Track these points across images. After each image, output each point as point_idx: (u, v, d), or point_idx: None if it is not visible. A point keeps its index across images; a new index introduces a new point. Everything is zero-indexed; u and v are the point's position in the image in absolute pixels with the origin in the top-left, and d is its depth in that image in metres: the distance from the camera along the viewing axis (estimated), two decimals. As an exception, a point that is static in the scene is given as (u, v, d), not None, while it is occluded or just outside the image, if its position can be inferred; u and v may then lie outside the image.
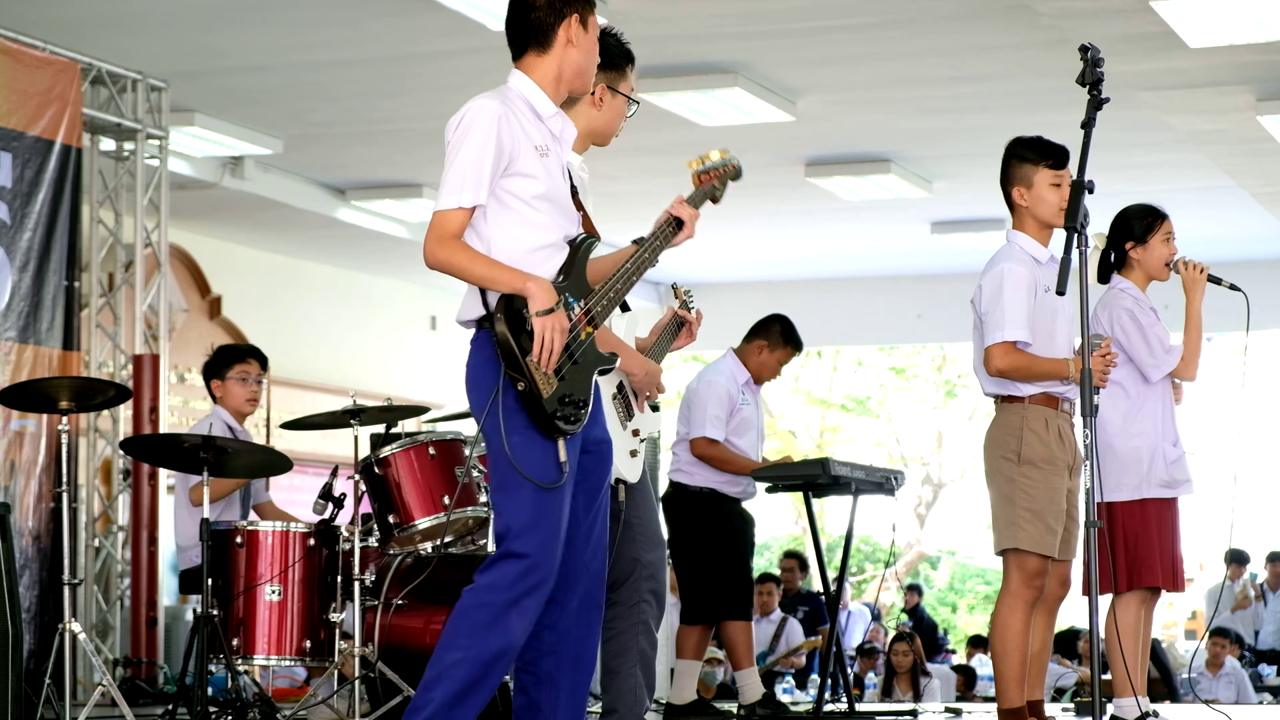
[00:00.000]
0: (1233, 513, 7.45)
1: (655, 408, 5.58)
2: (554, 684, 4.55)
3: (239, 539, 7.19)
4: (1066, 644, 14.62)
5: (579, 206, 4.64)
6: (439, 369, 15.58)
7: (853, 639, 15.45)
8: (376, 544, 7.32)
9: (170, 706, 7.23)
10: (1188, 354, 6.76)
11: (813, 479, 8.47)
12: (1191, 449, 6.87)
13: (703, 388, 8.50)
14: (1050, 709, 8.04)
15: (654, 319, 5.93)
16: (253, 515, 8.10)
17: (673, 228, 4.78)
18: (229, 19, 9.70)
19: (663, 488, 8.79)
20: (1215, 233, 14.82)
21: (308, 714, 7.32)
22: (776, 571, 15.60)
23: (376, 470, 7.19)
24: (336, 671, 7.27)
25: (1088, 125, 5.19)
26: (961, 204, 14.36)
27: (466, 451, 7.10)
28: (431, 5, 9.01)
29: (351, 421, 7.34)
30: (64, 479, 6.92)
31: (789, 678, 13.98)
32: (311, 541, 7.24)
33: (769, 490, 8.77)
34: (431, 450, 7.14)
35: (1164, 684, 12.99)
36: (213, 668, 7.01)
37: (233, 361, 8.33)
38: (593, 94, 5.20)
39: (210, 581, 6.96)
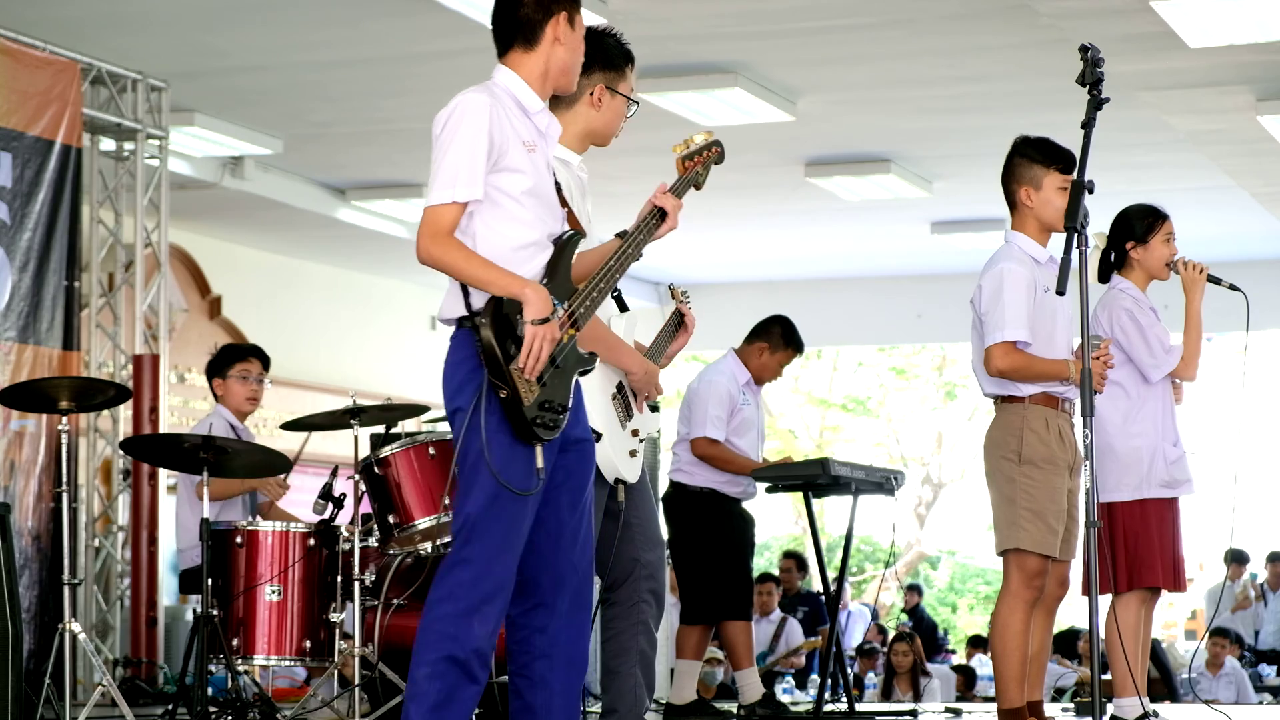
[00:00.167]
0: (1233, 513, 7.45)
1: (655, 408, 5.58)
2: (547, 686, 4.53)
3: (239, 539, 7.19)
4: (1066, 644, 14.62)
5: (563, 203, 4.61)
6: (439, 369, 15.53)
7: (853, 639, 15.45)
8: (376, 544, 7.32)
9: (170, 706, 7.23)
10: (1188, 354, 6.76)
11: (813, 479, 8.46)
12: (1192, 449, 6.87)
13: (703, 388, 8.50)
14: (1050, 709, 8.04)
15: (653, 319, 5.92)
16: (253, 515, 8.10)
17: (656, 219, 4.73)
18: (229, 19, 9.70)
19: (663, 488, 8.79)
20: (1215, 233, 14.81)
21: (308, 714, 7.32)
22: (776, 571, 15.60)
23: (376, 470, 7.19)
24: (336, 671, 7.27)
25: (1088, 125, 5.19)
26: (961, 204, 14.36)
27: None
28: (431, 5, 9.01)
29: (351, 421, 7.34)
30: (64, 479, 6.93)
31: (789, 678, 13.98)
32: (311, 541, 7.24)
33: (769, 490, 8.76)
34: (431, 450, 7.14)
35: (1164, 684, 12.98)
36: (213, 668, 7.01)
37: (234, 360, 8.38)
38: (591, 94, 5.19)
39: (210, 581, 6.96)
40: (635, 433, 5.30)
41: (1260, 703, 13.64)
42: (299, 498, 8.30)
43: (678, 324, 5.73)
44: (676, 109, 11.07)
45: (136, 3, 9.54)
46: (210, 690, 6.97)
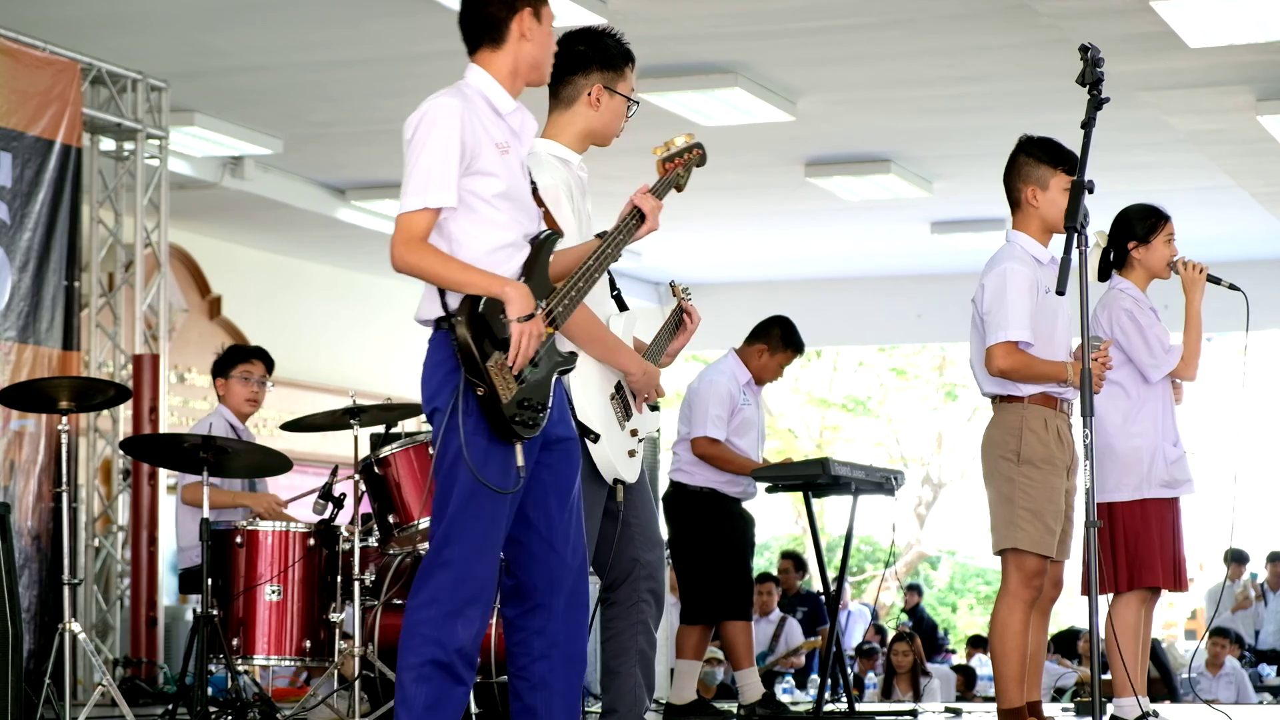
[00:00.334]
0: (1233, 513, 7.44)
1: (655, 407, 5.57)
2: (547, 687, 4.52)
3: (239, 539, 7.19)
4: (1067, 644, 14.62)
5: (539, 203, 4.61)
6: (438, 369, 15.51)
7: (852, 639, 15.45)
8: (376, 544, 7.32)
9: (170, 706, 7.24)
10: (1187, 354, 6.76)
11: (813, 479, 8.46)
12: (1192, 449, 6.87)
13: (704, 387, 8.50)
14: (1050, 709, 8.04)
15: (653, 319, 5.91)
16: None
17: (636, 220, 4.74)
18: (229, 19, 9.70)
19: (663, 487, 8.79)
20: (1215, 233, 14.81)
21: (308, 714, 7.32)
22: (776, 571, 15.59)
23: (376, 470, 7.19)
24: (336, 671, 7.27)
25: (1088, 125, 5.19)
26: (961, 204, 14.36)
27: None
28: (431, 5, 9.01)
29: (351, 421, 7.34)
30: (64, 479, 6.93)
31: (789, 678, 13.98)
32: (311, 541, 7.24)
33: (769, 490, 8.76)
34: (431, 450, 7.13)
35: (1164, 684, 12.98)
36: (213, 668, 7.02)
37: (238, 361, 8.45)
38: (589, 94, 5.19)
39: (210, 581, 6.96)
40: (634, 433, 5.30)
41: (1260, 703, 13.64)
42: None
43: (678, 322, 5.73)
44: (676, 109, 11.07)
45: (136, 3, 9.54)
46: (210, 690, 6.98)
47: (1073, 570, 6.38)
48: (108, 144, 10.00)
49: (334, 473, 7.26)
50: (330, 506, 7.24)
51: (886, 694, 13.08)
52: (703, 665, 9.24)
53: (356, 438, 7.35)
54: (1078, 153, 5.30)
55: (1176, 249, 6.87)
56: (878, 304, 17.43)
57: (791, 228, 15.40)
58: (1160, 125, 11.56)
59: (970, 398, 25.76)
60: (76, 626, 6.69)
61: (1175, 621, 24.14)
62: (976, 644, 16.10)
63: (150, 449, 7.98)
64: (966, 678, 14.49)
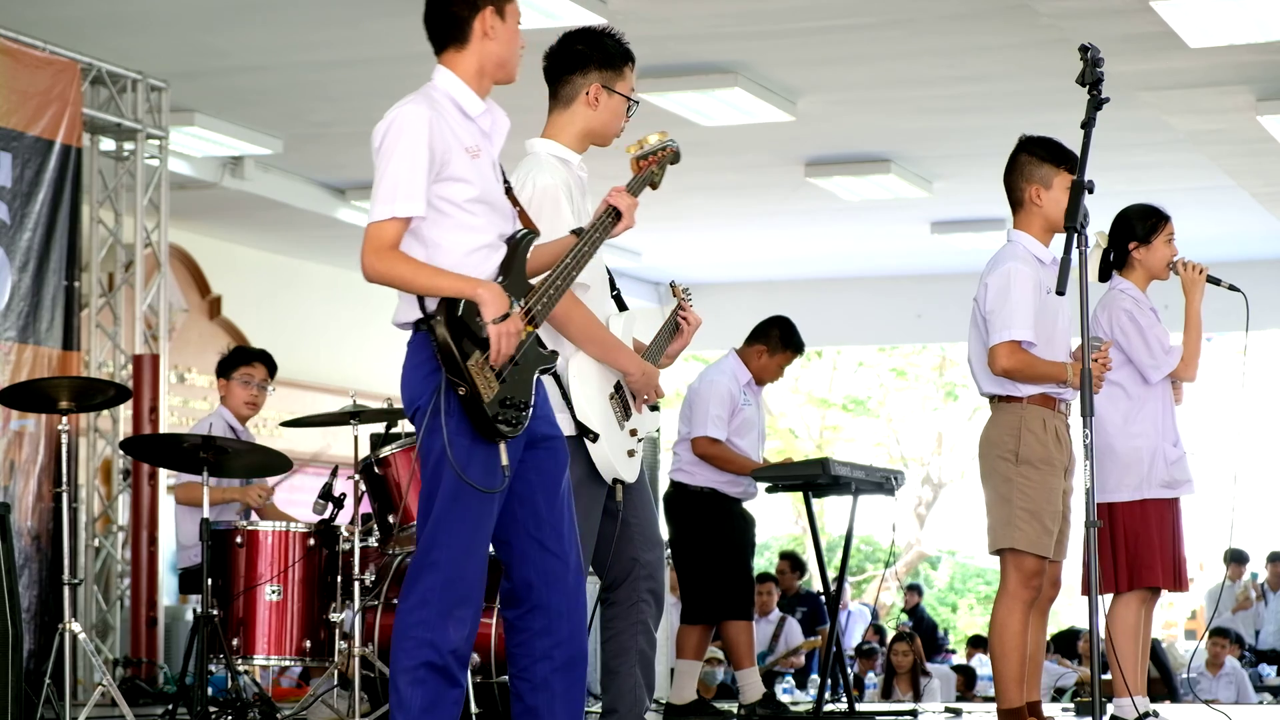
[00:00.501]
0: (1233, 513, 7.44)
1: (654, 407, 5.57)
2: (549, 688, 4.52)
3: (239, 539, 7.19)
4: (1067, 644, 14.62)
5: (514, 202, 4.60)
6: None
7: (852, 639, 15.45)
8: (376, 544, 7.32)
9: (170, 706, 7.24)
10: (1187, 354, 6.76)
11: (813, 479, 8.46)
12: (1192, 449, 6.87)
13: (705, 387, 8.50)
14: (1050, 709, 8.04)
15: (652, 319, 5.91)
16: (253, 515, 8.10)
17: (611, 218, 4.73)
18: (229, 19, 9.70)
19: (663, 487, 8.79)
20: (1215, 233, 14.81)
21: (308, 714, 7.32)
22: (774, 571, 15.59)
23: (376, 470, 7.19)
24: (336, 671, 7.27)
25: (1088, 125, 5.19)
26: (961, 204, 14.36)
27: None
28: (431, 5, 9.00)
29: (351, 421, 7.34)
30: (64, 479, 6.93)
31: (789, 678, 13.98)
32: (311, 541, 7.24)
33: (769, 490, 8.76)
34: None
35: (1164, 684, 12.98)
36: (213, 668, 7.01)
37: (240, 363, 8.51)
38: (587, 94, 5.19)
39: (210, 581, 6.96)
40: (633, 432, 5.30)
41: (1260, 703, 13.64)
42: (299, 497, 8.31)
43: (676, 325, 5.72)
44: (676, 109, 11.07)
45: (136, 3, 9.54)
46: (210, 690, 6.98)
47: (1072, 570, 6.38)
48: (108, 144, 10.00)
49: (334, 473, 7.26)
50: (330, 506, 7.24)
51: (886, 694, 13.08)
52: (703, 665, 9.24)
53: (356, 438, 7.35)
54: (1078, 153, 5.30)
55: (1177, 249, 6.87)
56: (878, 304, 17.43)
57: (791, 228, 15.40)
58: (1160, 125, 11.56)
59: (970, 398, 25.75)
60: (76, 626, 6.69)
61: (1175, 621, 24.14)
62: (976, 644, 16.10)
63: (150, 449, 7.98)
64: (966, 678, 14.50)
